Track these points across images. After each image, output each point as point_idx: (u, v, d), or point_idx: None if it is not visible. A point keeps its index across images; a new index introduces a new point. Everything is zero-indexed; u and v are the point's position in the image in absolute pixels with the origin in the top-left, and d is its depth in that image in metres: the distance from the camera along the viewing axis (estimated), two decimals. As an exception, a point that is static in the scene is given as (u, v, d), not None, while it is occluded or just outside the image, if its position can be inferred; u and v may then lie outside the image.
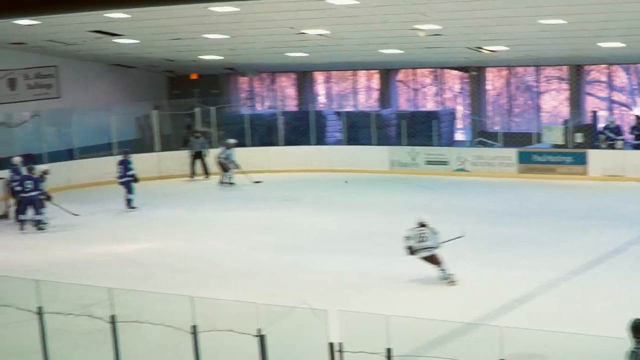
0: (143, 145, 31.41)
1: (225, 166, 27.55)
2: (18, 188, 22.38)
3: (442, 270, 15.60)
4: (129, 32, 26.31)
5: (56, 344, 11.43)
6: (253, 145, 30.75)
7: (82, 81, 32.93)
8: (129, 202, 24.29)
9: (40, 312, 10.89)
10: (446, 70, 33.00)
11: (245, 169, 27.58)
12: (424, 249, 15.73)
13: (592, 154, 26.30)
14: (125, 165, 24.56)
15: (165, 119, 33.09)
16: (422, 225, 15.83)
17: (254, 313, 9.50)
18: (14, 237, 21.82)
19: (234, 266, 17.97)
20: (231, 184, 27.47)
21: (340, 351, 9.13)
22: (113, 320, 10.37)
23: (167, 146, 31.22)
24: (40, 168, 22.97)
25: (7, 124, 29.38)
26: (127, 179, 24.38)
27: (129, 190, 24.32)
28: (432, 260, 15.65)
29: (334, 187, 25.87)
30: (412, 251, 15.74)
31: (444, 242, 15.84)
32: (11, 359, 12.08)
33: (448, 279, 15.57)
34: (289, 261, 18.08)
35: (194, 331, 9.86)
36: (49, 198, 22.47)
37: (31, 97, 31.20)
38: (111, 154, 29.39)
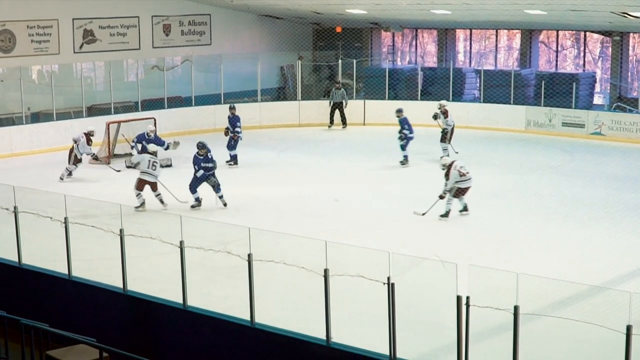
0: (285, 93, 32.17)
1: None
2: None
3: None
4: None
5: (194, 276, 12.07)
6: (390, 98, 31.02)
7: (232, 30, 33.67)
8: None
9: (181, 246, 11.32)
10: (588, 34, 32.39)
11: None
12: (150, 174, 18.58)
13: None
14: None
15: (308, 69, 33.79)
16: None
17: (384, 261, 9.64)
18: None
19: (366, 214, 18.37)
20: None
21: (467, 305, 9.09)
22: (249, 258, 10.67)
23: (307, 96, 32.01)
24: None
25: (159, 68, 30.60)
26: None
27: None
28: (153, 186, 18.61)
29: (468, 143, 25.77)
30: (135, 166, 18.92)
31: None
32: (153, 286, 12.57)
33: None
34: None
35: (326, 274, 10.00)
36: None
37: (184, 43, 32.18)
38: (255, 101, 30.36)
